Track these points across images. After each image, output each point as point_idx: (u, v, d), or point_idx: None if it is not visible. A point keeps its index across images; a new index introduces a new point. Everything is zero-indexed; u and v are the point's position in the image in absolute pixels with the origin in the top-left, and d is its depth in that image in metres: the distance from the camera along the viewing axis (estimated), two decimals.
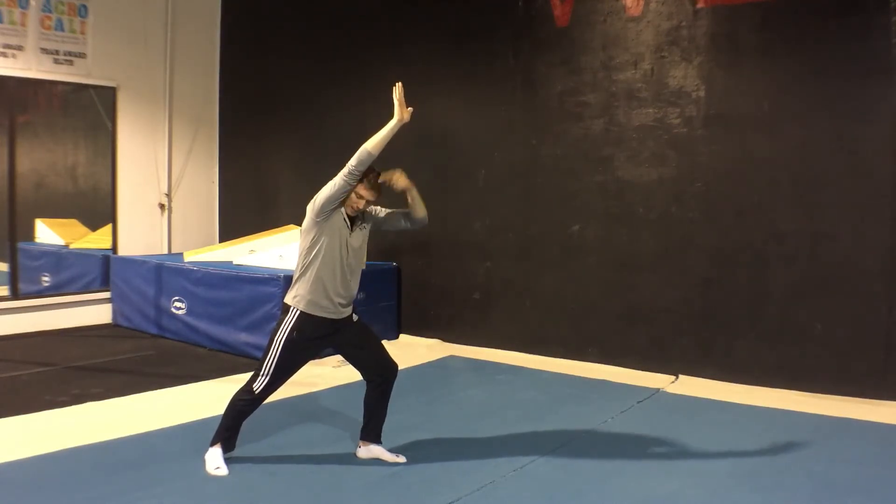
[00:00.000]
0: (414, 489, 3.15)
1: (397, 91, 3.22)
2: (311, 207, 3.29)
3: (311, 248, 3.32)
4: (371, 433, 3.50)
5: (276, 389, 3.35)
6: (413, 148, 6.65)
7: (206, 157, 8.05)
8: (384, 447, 3.51)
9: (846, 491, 3.16)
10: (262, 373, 3.28)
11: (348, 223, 3.36)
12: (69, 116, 7.41)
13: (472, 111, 6.31)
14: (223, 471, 3.26)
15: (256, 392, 3.29)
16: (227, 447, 3.38)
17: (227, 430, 3.38)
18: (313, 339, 3.32)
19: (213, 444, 3.37)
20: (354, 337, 3.44)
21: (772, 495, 3.11)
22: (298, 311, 3.30)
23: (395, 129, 3.20)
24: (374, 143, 3.17)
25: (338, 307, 3.33)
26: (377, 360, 3.46)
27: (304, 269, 3.36)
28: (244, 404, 3.35)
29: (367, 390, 3.50)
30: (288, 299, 3.39)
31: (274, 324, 3.41)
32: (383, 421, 3.52)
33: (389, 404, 3.53)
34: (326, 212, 3.25)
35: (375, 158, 3.19)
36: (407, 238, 6.72)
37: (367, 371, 3.47)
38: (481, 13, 6.14)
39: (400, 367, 3.57)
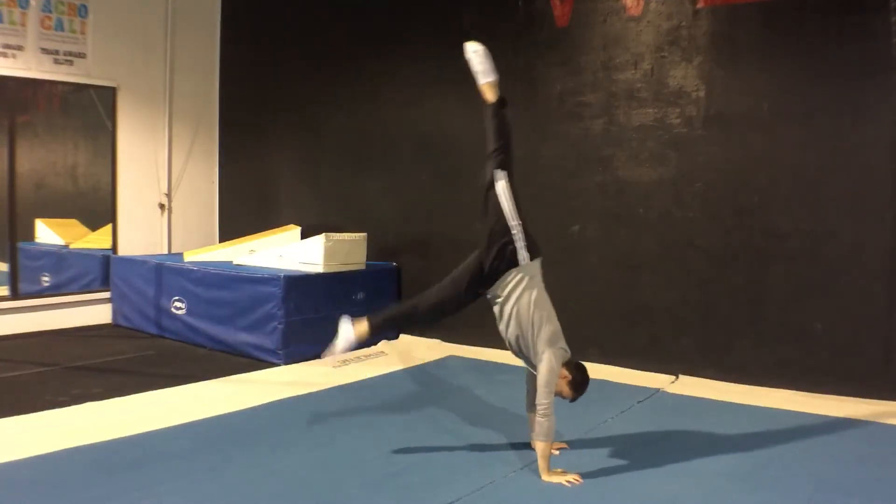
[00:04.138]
0: (414, 489, 3.15)
1: (566, 478, 3.24)
2: (542, 365, 3.29)
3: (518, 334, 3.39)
4: (371, 313, 3.56)
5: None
6: (413, 148, 6.67)
7: (206, 157, 8.05)
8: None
9: (846, 491, 3.16)
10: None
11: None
12: (69, 116, 7.41)
13: (472, 111, 6.27)
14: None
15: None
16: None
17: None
18: (502, 246, 3.39)
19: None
20: (478, 265, 3.47)
21: (772, 495, 3.11)
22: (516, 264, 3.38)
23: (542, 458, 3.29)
24: (541, 440, 3.29)
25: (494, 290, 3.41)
26: (447, 282, 3.54)
27: (515, 310, 3.39)
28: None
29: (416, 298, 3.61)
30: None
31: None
32: (387, 313, 3.62)
33: (391, 404, 3.53)
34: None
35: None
36: (407, 238, 6.73)
37: (456, 284, 3.51)
38: (481, 13, 6.14)
39: (400, 367, 3.57)
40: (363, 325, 3.52)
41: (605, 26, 5.52)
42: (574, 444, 3.74)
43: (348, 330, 3.52)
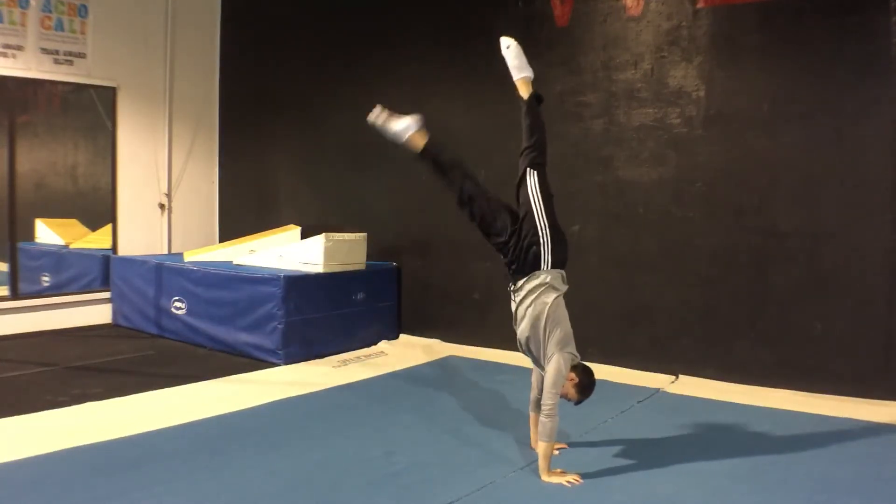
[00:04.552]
0: (414, 489, 3.15)
1: (567, 478, 3.25)
2: (552, 363, 3.30)
3: (538, 324, 3.37)
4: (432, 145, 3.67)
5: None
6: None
7: (206, 157, 8.05)
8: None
9: (846, 491, 3.16)
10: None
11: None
12: (69, 116, 7.41)
13: (472, 111, 6.30)
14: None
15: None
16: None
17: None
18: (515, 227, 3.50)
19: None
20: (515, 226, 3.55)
21: (772, 495, 3.11)
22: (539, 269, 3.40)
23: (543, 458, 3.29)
24: (544, 445, 3.28)
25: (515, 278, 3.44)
26: (509, 201, 3.66)
27: (537, 311, 3.37)
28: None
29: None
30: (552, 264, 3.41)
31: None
32: (442, 155, 3.74)
33: (391, 404, 3.56)
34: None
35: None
36: (407, 238, 6.73)
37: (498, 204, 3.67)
38: (481, 13, 6.14)
39: (400, 367, 3.58)
40: (420, 139, 3.61)
41: (605, 26, 5.52)
42: (574, 444, 3.75)
43: (409, 126, 3.63)
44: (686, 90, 5.20)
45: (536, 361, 3.44)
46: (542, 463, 3.26)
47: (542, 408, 3.26)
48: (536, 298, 3.34)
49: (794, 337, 4.82)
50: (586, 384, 3.37)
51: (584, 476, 3.27)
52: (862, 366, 4.60)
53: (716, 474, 3.35)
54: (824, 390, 4.65)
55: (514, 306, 3.44)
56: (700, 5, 5.12)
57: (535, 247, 3.38)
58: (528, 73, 3.74)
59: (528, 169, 3.61)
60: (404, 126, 3.62)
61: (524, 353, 3.48)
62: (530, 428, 3.62)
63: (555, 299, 3.35)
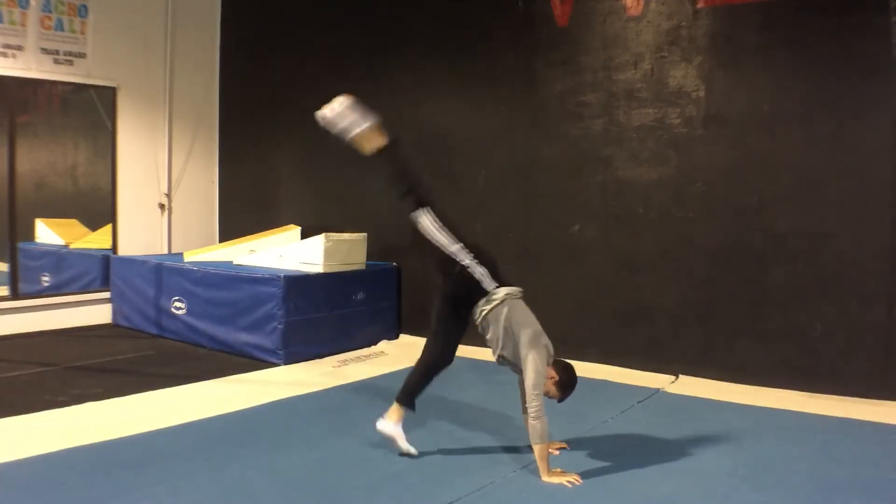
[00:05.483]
0: (414, 489, 3.15)
1: (567, 478, 3.23)
2: (529, 360, 3.30)
3: (507, 334, 3.38)
4: (404, 396, 3.55)
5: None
6: (413, 148, 6.66)
7: (206, 157, 8.05)
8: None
9: (846, 491, 3.16)
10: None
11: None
12: (69, 116, 7.41)
13: (472, 111, 6.31)
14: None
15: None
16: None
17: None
18: (467, 287, 3.43)
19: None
20: (459, 316, 3.51)
21: (772, 495, 3.11)
22: (495, 291, 3.39)
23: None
24: (535, 444, 3.27)
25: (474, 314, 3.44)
26: (448, 342, 3.55)
27: (503, 321, 3.36)
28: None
29: (414, 368, 3.60)
30: (498, 282, 3.43)
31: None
32: (420, 392, 3.58)
33: (391, 404, 3.58)
34: None
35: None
36: (407, 238, 6.70)
37: (435, 343, 3.56)
38: (481, 13, 6.14)
39: (400, 367, 3.58)
40: (395, 410, 3.56)
41: (605, 26, 5.52)
42: (574, 444, 3.74)
43: (386, 425, 3.54)
44: (686, 90, 5.20)
45: (515, 368, 3.44)
46: (540, 465, 3.26)
47: (529, 410, 3.25)
48: (501, 315, 3.34)
49: (794, 337, 4.82)
50: (566, 381, 3.37)
51: (583, 476, 3.27)
52: (862, 366, 4.60)
53: (716, 474, 3.35)
54: (824, 390, 4.65)
55: (489, 336, 3.43)
56: (700, 5, 5.12)
57: (461, 269, 3.38)
58: (371, 121, 3.53)
59: (416, 212, 3.49)
60: (392, 433, 3.52)
61: (501, 364, 3.48)
62: (526, 430, 3.62)
63: (518, 306, 3.36)
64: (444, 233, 3.43)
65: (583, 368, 5.37)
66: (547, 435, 3.27)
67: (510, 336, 3.35)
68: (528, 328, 3.34)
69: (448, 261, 3.41)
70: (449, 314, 3.52)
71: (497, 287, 3.39)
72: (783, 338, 4.86)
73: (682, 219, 5.25)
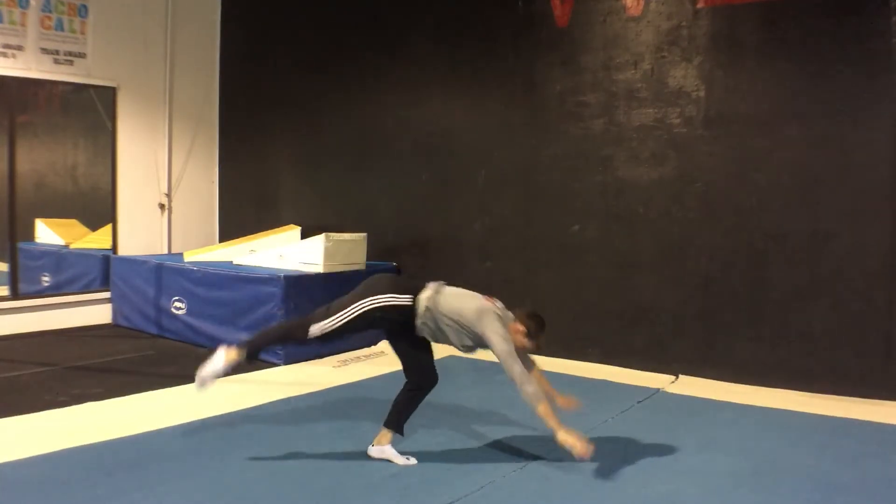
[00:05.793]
0: (414, 489, 3.15)
1: (580, 447, 3.16)
2: (487, 330, 3.25)
3: (459, 324, 3.32)
4: (393, 423, 3.51)
5: (324, 342, 3.41)
6: (413, 148, 6.67)
7: (206, 157, 8.05)
8: (396, 448, 3.51)
9: (846, 491, 3.16)
10: (328, 321, 3.30)
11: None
12: (69, 116, 7.41)
13: (472, 111, 6.31)
14: (205, 385, 3.33)
15: (311, 335, 3.33)
16: (251, 358, 3.42)
17: (264, 345, 3.45)
18: (391, 321, 3.37)
19: (240, 347, 3.36)
20: (415, 340, 3.47)
21: (772, 495, 3.11)
22: (410, 304, 3.32)
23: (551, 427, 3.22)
24: (537, 411, 3.22)
25: (421, 333, 3.39)
26: (423, 367, 3.49)
27: (444, 317, 3.32)
28: (292, 331, 3.45)
29: (401, 390, 3.54)
30: (412, 291, 3.36)
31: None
32: (408, 416, 3.53)
33: (390, 404, 3.56)
34: None
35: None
36: (407, 238, 6.72)
37: (410, 372, 3.51)
38: (481, 13, 6.15)
39: (400, 367, 3.57)
40: (384, 434, 3.52)
41: (605, 26, 5.52)
42: None
43: (378, 451, 3.51)
44: (686, 90, 5.20)
45: (479, 344, 3.37)
46: (550, 425, 3.20)
47: (513, 381, 3.21)
48: (436, 320, 3.31)
49: (794, 337, 4.82)
50: (535, 326, 3.31)
51: (584, 476, 3.27)
52: (862, 366, 4.60)
53: (716, 474, 3.35)
54: (824, 390, 4.66)
55: (444, 336, 3.39)
56: (700, 5, 5.12)
57: (386, 312, 3.32)
58: (232, 350, 3.39)
59: (308, 338, 3.40)
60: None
61: (473, 351, 3.44)
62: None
63: (437, 302, 3.31)
64: (336, 320, 3.32)
65: (583, 368, 5.44)
66: (541, 394, 3.22)
67: (461, 326, 3.30)
68: (466, 308, 3.30)
69: (366, 314, 3.31)
70: (407, 347, 3.49)
71: (412, 297, 3.34)
72: (783, 338, 4.86)
73: (682, 219, 5.25)
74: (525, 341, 3.31)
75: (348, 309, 3.30)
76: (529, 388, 3.21)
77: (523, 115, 5.99)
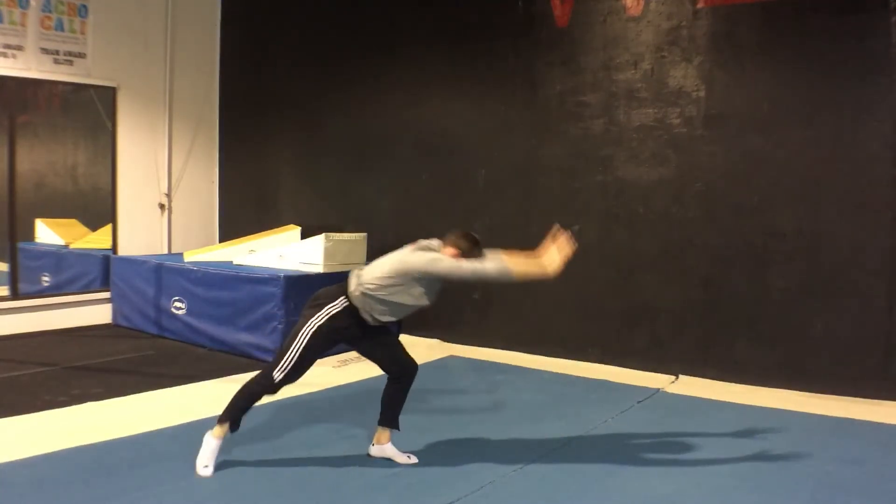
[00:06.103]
0: (414, 489, 3.15)
1: (562, 248, 3.15)
2: (416, 263, 3.23)
3: (394, 283, 3.27)
4: (387, 420, 3.50)
5: (294, 380, 3.34)
6: (413, 148, 6.67)
7: (206, 157, 8.04)
8: (396, 447, 3.51)
9: (846, 491, 3.16)
10: (284, 360, 3.26)
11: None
12: (69, 116, 7.40)
13: (472, 111, 6.31)
14: (209, 471, 3.25)
15: (276, 381, 3.28)
16: (234, 427, 3.36)
17: (242, 411, 3.35)
18: (341, 329, 3.31)
19: (220, 422, 3.32)
20: (376, 336, 3.46)
21: (772, 495, 3.11)
22: (347, 304, 3.28)
23: (540, 276, 3.17)
24: (518, 273, 3.17)
25: (379, 321, 3.36)
26: (397, 358, 3.49)
27: (379, 289, 3.27)
28: (259, 385, 3.35)
29: (385, 385, 3.53)
30: (342, 292, 3.32)
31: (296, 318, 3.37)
32: (400, 409, 3.52)
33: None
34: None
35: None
36: (407, 238, 6.68)
37: (386, 367, 3.51)
38: (481, 13, 6.15)
39: None
40: (382, 433, 3.51)
41: (605, 26, 5.52)
42: (574, 444, 3.75)
43: (378, 449, 3.51)
44: (686, 90, 5.20)
45: (433, 286, 3.32)
46: (534, 272, 3.20)
47: (476, 277, 3.20)
48: (378, 298, 3.27)
49: (794, 337, 4.82)
50: (467, 244, 3.31)
51: (584, 476, 3.27)
52: (862, 366, 4.60)
53: (716, 474, 3.35)
54: (824, 390, 4.66)
55: (402, 307, 3.34)
56: (700, 5, 5.12)
57: (334, 319, 3.28)
58: (222, 421, 3.34)
59: (276, 384, 3.34)
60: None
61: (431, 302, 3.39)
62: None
63: (360, 291, 3.27)
64: (290, 349, 3.28)
65: (583, 368, 5.45)
66: (502, 261, 3.19)
67: (401, 282, 3.24)
68: (388, 265, 3.28)
69: (314, 335, 3.27)
70: (373, 346, 3.47)
71: (344, 296, 3.30)
72: (783, 338, 4.86)
73: (682, 219, 5.25)
74: (465, 264, 3.25)
75: (296, 340, 3.26)
76: (490, 265, 3.17)
77: (523, 115, 5.99)
